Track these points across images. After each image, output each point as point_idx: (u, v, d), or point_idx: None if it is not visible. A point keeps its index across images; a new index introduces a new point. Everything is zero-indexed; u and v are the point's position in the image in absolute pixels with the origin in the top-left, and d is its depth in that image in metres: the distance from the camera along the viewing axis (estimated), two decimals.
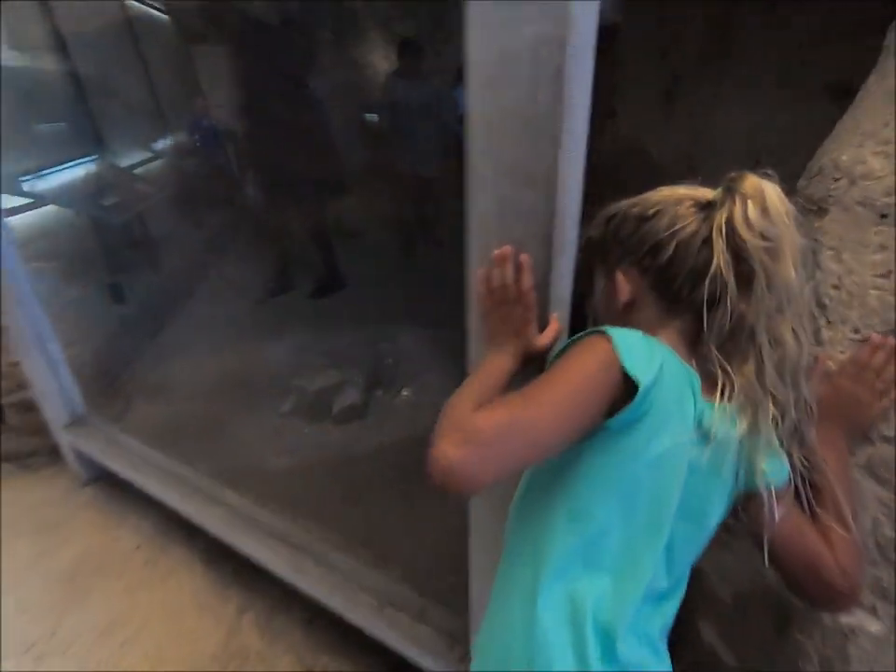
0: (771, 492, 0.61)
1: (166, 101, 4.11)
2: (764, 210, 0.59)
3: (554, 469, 0.62)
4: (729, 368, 0.62)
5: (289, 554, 1.50)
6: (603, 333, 0.58)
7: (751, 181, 0.60)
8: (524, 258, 0.68)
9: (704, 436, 0.60)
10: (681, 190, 0.68)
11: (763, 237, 0.58)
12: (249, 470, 2.08)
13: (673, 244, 0.64)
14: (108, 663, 1.55)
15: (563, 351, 0.61)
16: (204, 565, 1.79)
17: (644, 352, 0.58)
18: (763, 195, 0.59)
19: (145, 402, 2.58)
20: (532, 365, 0.71)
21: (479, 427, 0.52)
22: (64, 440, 2.00)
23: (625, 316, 0.70)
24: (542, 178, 0.62)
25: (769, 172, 0.61)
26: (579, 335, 0.62)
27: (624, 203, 0.71)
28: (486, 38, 0.60)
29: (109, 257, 2.94)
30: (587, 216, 0.74)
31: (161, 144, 4.11)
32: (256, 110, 3.08)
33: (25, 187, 2.85)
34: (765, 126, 1.36)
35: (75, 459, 2.01)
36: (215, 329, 3.23)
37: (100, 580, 1.78)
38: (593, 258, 0.75)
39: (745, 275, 0.60)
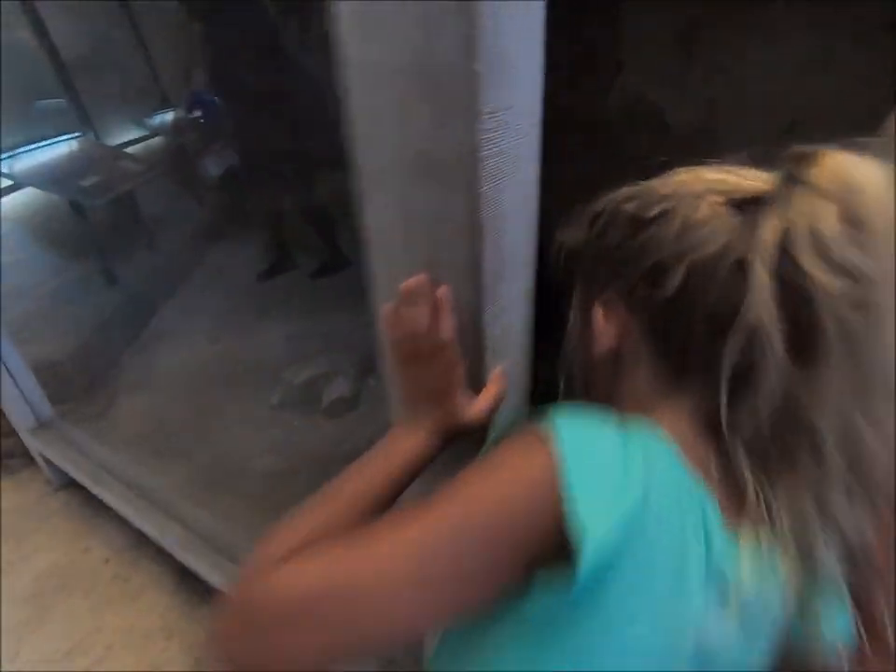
0: (838, 653, 0.38)
1: (161, 73, 3.90)
2: (855, 220, 0.31)
3: (470, 640, 0.39)
4: (766, 482, 0.36)
5: None
6: (541, 433, 0.34)
7: (831, 163, 0.33)
8: (441, 292, 0.43)
9: (723, 594, 0.35)
10: (708, 175, 0.40)
11: (848, 273, 0.31)
12: (237, 469, 1.96)
13: (683, 265, 0.37)
14: None
15: (494, 445, 0.39)
16: (176, 583, 1.66)
17: (611, 470, 0.33)
18: (849, 189, 0.31)
19: (131, 397, 2.46)
20: (463, 440, 0.48)
21: (272, 589, 0.30)
22: (32, 444, 1.88)
23: (608, 375, 0.45)
24: (456, 169, 0.39)
25: (864, 140, 0.33)
26: (518, 424, 0.40)
27: (620, 195, 0.44)
28: None
29: (91, 244, 2.79)
30: (569, 213, 0.50)
31: (157, 120, 3.92)
32: (240, 82, 2.84)
33: (4, 167, 2.71)
34: (808, 76, 1.10)
35: (44, 463, 1.88)
36: (208, 313, 3.10)
37: (65, 597, 1.67)
38: (567, 279, 0.49)
39: (804, 333, 0.33)
